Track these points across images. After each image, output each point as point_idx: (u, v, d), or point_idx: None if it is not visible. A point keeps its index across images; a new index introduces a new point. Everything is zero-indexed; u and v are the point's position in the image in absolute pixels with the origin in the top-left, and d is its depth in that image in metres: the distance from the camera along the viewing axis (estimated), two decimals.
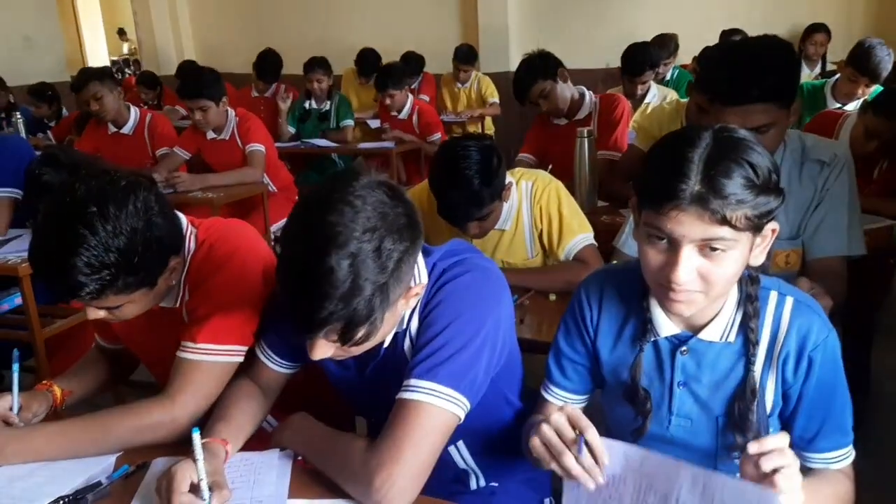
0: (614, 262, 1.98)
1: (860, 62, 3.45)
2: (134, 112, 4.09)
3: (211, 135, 3.94)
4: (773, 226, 1.06)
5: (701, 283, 1.04)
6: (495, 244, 2.16)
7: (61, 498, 1.22)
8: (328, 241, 1.04)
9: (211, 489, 1.13)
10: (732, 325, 1.14)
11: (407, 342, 1.28)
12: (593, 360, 1.28)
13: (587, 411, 1.35)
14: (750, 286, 1.13)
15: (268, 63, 5.86)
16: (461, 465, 1.46)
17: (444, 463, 1.24)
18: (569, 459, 1.00)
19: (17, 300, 2.68)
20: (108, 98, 3.92)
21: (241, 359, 1.43)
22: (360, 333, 1.10)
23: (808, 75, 5.49)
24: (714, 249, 1.01)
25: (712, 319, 1.14)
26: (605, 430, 1.36)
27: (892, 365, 3.07)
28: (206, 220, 1.53)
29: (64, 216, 1.25)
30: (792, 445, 1.01)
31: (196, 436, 1.13)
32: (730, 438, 1.17)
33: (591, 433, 1.01)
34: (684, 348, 1.17)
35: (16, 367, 1.44)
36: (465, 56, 6.27)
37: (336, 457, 1.23)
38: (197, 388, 1.38)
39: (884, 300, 3.02)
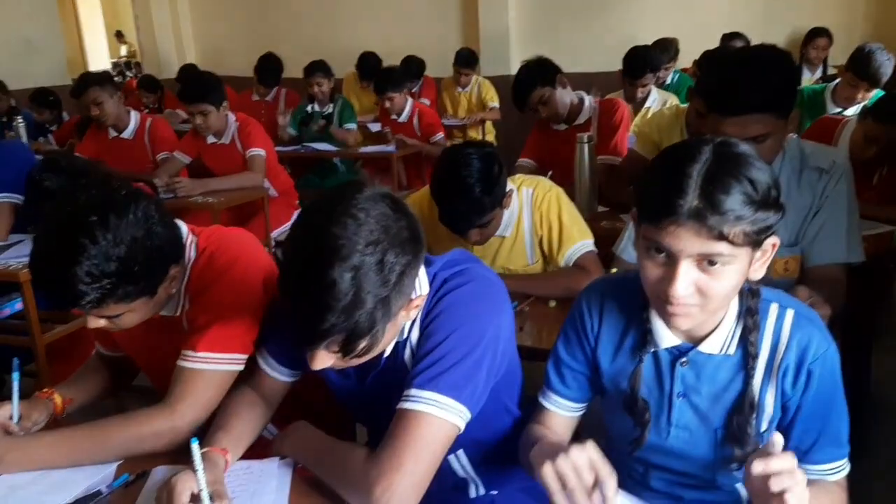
0: (614, 269, 1.99)
1: (860, 67, 3.45)
2: (134, 116, 4.10)
3: (211, 139, 3.95)
4: (773, 240, 1.06)
5: (698, 297, 1.04)
6: (496, 251, 2.17)
7: None
8: (331, 253, 1.04)
9: (211, 499, 1.13)
10: (732, 337, 1.14)
11: (407, 352, 1.28)
12: (593, 369, 1.29)
13: (588, 418, 1.37)
14: (750, 299, 1.13)
15: (268, 67, 5.87)
16: (461, 473, 1.46)
17: (443, 471, 1.24)
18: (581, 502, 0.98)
19: (18, 305, 2.69)
20: (108, 103, 3.93)
21: (241, 367, 1.43)
22: (362, 346, 1.10)
23: (808, 79, 5.49)
24: (712, 264, 1.01)
25: (712, 331, 1.14)
26: (606, 439, 1.37)
27: (892, 369, 3.07)
28: (207, 228, 1.53)
29: (64, 225, 1.25)
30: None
31: (195, 446, 1.14)
32: (728, 451, 1.17)
33: (610, 485, 0.98)
34: (684, 360, 1.17)
35: (16, 375, 1.44)
36: (466, 60, 6.27)
37: (336, 466, 1.23)
38: (197, 396, 1.39)
39: (884, 305, 3.02)
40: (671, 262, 1.03)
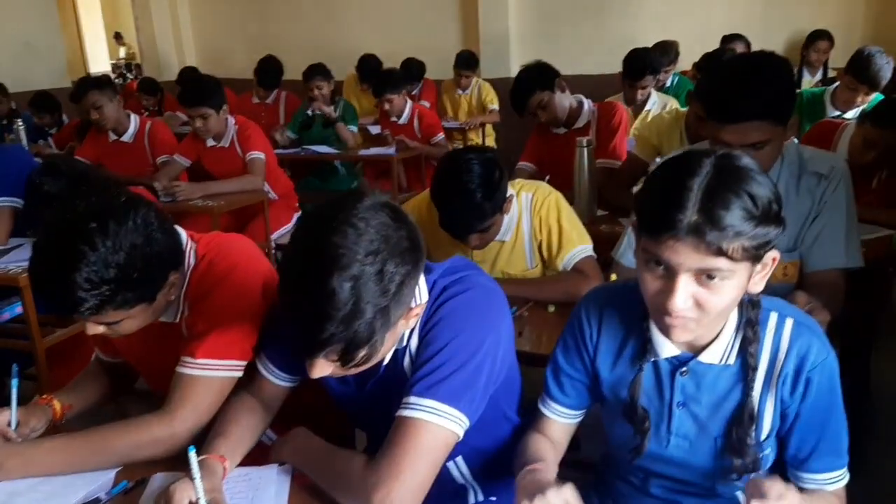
0: (613, 274, 1.99)
1: (859, 70, 3.44)
2: (134, 120, 4.10)
3: (211, 142, 3.95)
4: (773, 254, 1.06)
5: (697, 310, 1.04)
6: (495, 255, 2.17)
7: None
8: (331, 262, 1.04)
9: None
10: (732, 347, 1.14)
11: (407, 359, 1.28)
12: (592, 377, 1.29)
13: (588, 426, 1.37)
14: (751, 310, 1.13)
15: (268, 70, 5.87)
16: (459, 480, 1.46)
17: (442, 478, 1.25)
18: None
19: (18, 309, 2.69)
20: (107, 107, 3.93)
21: (240, 373, 1.43)
22: (361, 355, 1.10)
23: (809, 82, 5.50)
24: (711, 278, 1.01)
25: (712, 341, 1.14)
26: (606, 447, 1.37)
27: (891, 373, 3.07)
28: (206, 234, 1.53)
29: (64, 232, 1.25)
30: (786, 464, 1.01)
31: (192, 455, 1.14)
32: (727, 461, 1.17)
33: None
34: (684, 369, 1.17)
35: (15, 381, 1.44)
36: (467, 62, 6.28)
37: (335, 473, 1.23)
38: (196, 403, 1.39)
39: (883, 309, 3.02)
40: (670, 275, 1.03)
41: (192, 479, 1.13)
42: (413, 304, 1.18)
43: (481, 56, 6.74)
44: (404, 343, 1.28)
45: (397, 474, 1.13)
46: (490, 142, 6.54)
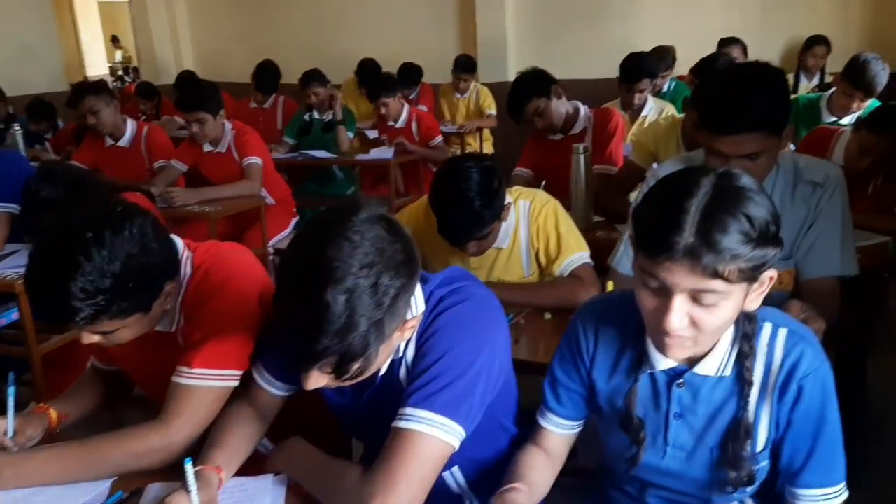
0: (610, 282, 1.99)
1: (855, 77, 3.45)
2: (131, 125, 4.11)
3: (208, 147, 3.95)
4: (770, 273, 1.06)
5: (692, 329, 1.04)
6: (493, 262, 2.17)
7: None
8: (325, 275, 1.04)
9: None
10: (728, 359, 1.15)
11: (403, 370, 1.28)
12: (588, 388, 1.29)
13: (585, 436, 1.37)
14: (747, 325, 1.13)
15: (266, 74, 5.87)
16: (455, 490, 1.46)
17: (438, 488, 1.24)
18: None
19: (15, 315, 2.68)
20: (104, 112, 3.94)
21: (236, 383, 1.43)
22: (355, 367, 1.10)
23: (805, 87, 5.51)
24: (707, 299, 1.01)
25: (708, 353, 1.14)
26: (603, 456, 1.37)
27: (888, 379, 3.07)
28: (203, 243, 1.53)
29: (59, 242, 1.25)
30: (782, 481, 1.01)
31: (188, 466, 1.14)
32: (723, 473, 1.17)
33: None
34: (681, 381, 1.17)
35: (11, 390, 1.44)
36: (465, 66, 6.29)
37: (330, 484, 1.23)
38: (192, 413, 1.39)
39: (879, 315, 3.03)
40: (666, 294, 1.03)
41: (187, 490, 1.13)
42: (408, 317, 1.18)
43: (479, 61, 6.75)
44: (401, 353, 1.28)
45: (393, 485, 1.13)
46: (488, 146, 6.55)
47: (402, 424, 1.18)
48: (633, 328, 1.19)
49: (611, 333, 1.25)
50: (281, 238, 4.13)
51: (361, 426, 1.44)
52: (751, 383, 1.12)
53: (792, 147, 3.27)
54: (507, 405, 1.44)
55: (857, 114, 3.51)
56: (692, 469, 1.21)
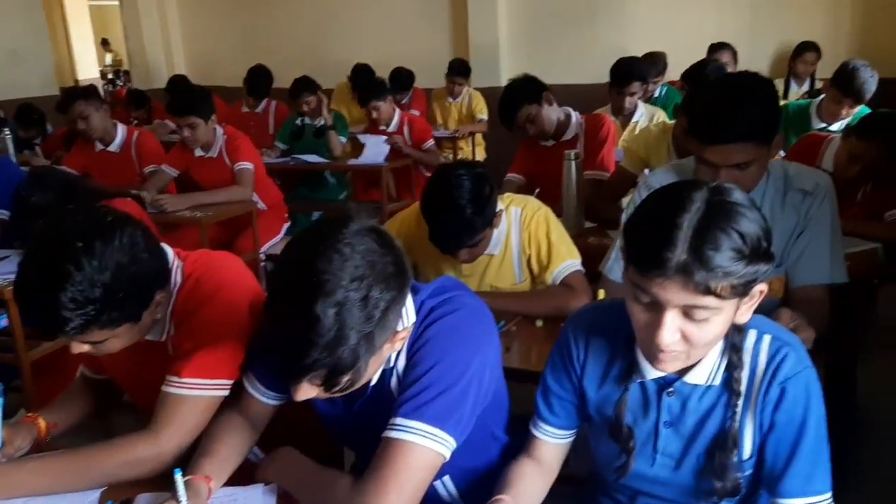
0: (601, 290, 1.99)
1: (844, 83, 3.47)
2: (121, 130, 4.09)
3: (199, 152, 3.94)
4: (760, 287, 1.06)
5: (683, 344, 1.05)
6: (484, 268, 2.17)
7: None
8: (316, 288, 1.04)
9: None
10: (718, 369, 1.15)
11: (394, 380, 1.28)
12: (580, 396, 1.29)
13: (575, 442, 1.37)
14: (736, 336, 1.13)
15: (258, 79, 5.86)
16: (447, 499, 1.46)
17: (429, 497, 1.25)
18: None
19: (4, 322, 2.67)
20: (94, 117, 3.92)
21: (226, 393, 1.43)
22: (344, 380, 1.10)
23: (796, 92, 5.55)
24: (698, 314, 1.01)
25: (698, 362, 1.14)
26: (593, 464, 1.37)
27: (877, 385, 3.09)
28: (194, 252, 1.53)
29: (49, 251, 1.25)
30: (762, 486, 1.01)
31: (178, 476, 1.14)
32: (709, 482, 1.17)
33: None
34: (671, 389, 1.18)
35: (0, 401, 1.43)
36: (460, 69, 6.31)
37: (321, 493, 1.23)
38: (182, 422, 1.38)
39: (869, 321, 3.04)
40: (657, 309, 1.03)
41: (177, 500, 1.13)
42: (399, 328, 1.18)
43: (471, 66, 6.74)
44: (391, 364, 1.28)
45: (384, 495, 1.14)
46: (480, 151, 6.56)
47: (392, 434, 1.18)
48: (624, 337, 1.20)
49: (601, 342, 1.25)
50: (273, 244, 4.12)
51: (353, 436, 1.44)
52: (739, 394, 1.13)
53: (782, 153, 3.29)
54: (498, 414, 1.45)
55: (846, 120, 3.54)
56: (680, 477, 1.21)
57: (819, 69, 5.54)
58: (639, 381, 1.20)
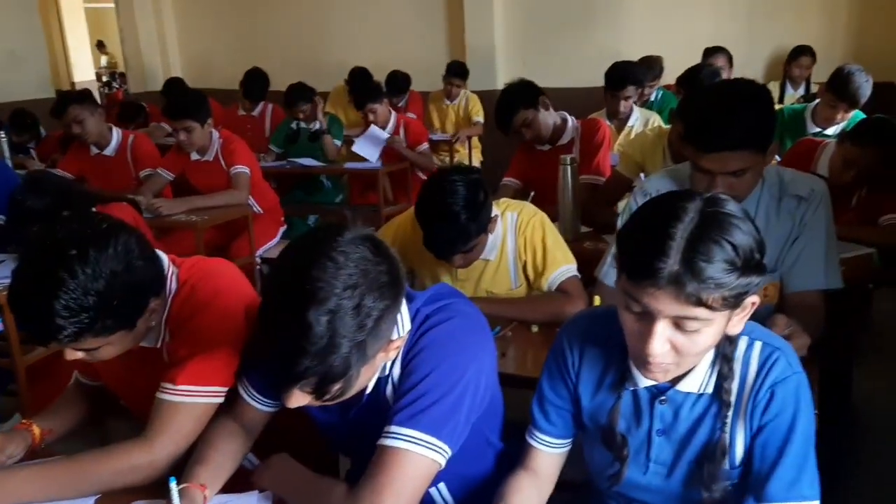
0: (597, 297, 1.99)
1: (839, 88, 3.49)
2: (116, 133, 4.08)
3: (195, 156, 3.93)
4: (753, 299, 1.06)
5: (674, 354, 1.05)
6: (480, 274, 2.17)
7: None
8: (309, 296, 1.04)
9: None
10: (710, 377, 1.15)
11: (389, 388, 1.28)
12: (575, 404, 1.29)
13: (572, 449, 1.37)
14: (727, 346, 1.13)
15: (254, 82, 5.85)
16: None
17: None
18: None
19: None
20: (89, 121, 3.92)
21: (221, 400, 1.42)
22: (335, 388, 1.10)
23: (791, 96, 5.56)
24: (689, 325, 1.01)
25: (690, 370, 1.14)
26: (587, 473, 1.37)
27: (872, 389, 3.09)
28: (189, 259, 1.53)
29: (44, 259, 1.24)
30: (748, 491, 1.01)
31: (173, 486, 1.13)
32: (697, 492, 1.17)
33: None
34: (663, 398, 1.18)
35: None
36: (457, 71, 6.33)
37: (316, 501, 1.24)
38: (176, 429, 1.38)
39: (864, 326, 3.05)
40: (648, 319, 1.03)
41: None
42: (394, 337, 1.18)
43: (468, 69, 6.76)
44: (387, 371, 1.28)
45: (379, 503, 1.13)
46: (476, 154, 6.56)
47: (388, 442, 1.18)
48: (617, 345, 1.19)
49: (595, 350, 1.25)
50: (269, 247, 4.12)
51: (348, 443, 1.44)
52: (728, 404, 1.13)
53: (777, 159, 3.29)
54: (493, 420, 1.45)
55: (841, 125, 3.55)
56: (672, 484, 1.22)
57: (814, 73, 5.56)
58: (631, 388, 1.20)
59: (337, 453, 1.76)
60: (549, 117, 3.13)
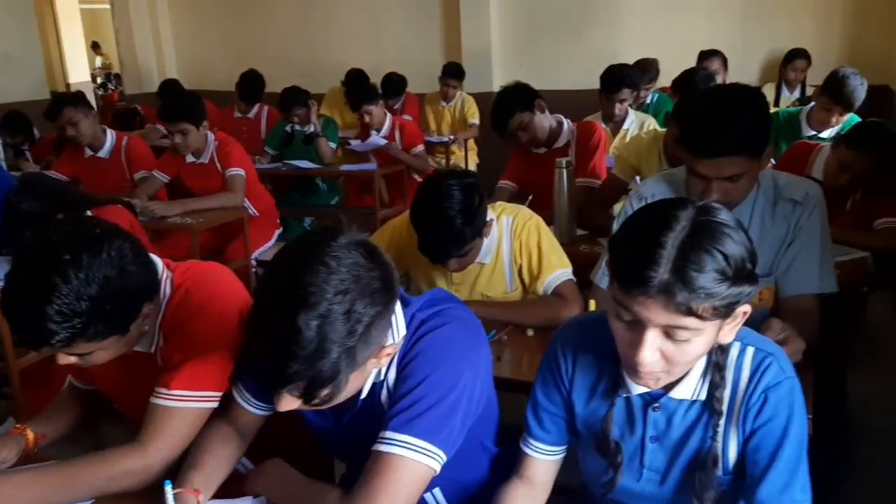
0: (592, 301, 1.99)
1: (834, 91, 3.49)
2: (110, 135, 4.07)
3: (190, 158, 3.92)
4: (744, 308, 1.06)
5: (664, 363, 1.05)
6: (475, 277, 2.17)
7: None
8: (299, 300, 1.04)
9: None
10: (703, 384, 1.15)
11: (384, 393, 1.28)
12: (569, 410, 1.29)
13: (567, 453, 1.37)
14: (719, 354, 1.13)
15: (250, 84, 5.83)
16: None
17: None
18: None
19: None
20: (83, 123, 3.91)
21: (215, 404, 1.42)
22: (324, 393, 1.10)
23: (787, 99, 5.57)
24: (679, 334, 1.01)
25: (683, 377, 1.14)
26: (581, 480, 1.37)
27: (867, 393, 3.10)
28: (183, 263, 1.52)
29: (37, 264, 1.24)
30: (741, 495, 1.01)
31: (168, 489, 1.13)
32: (690, 498, 1.17)
33: None
34: (656, 404, 1.18)
35: None
36: (454, 72, 6.33)
37: None
38: (170, 434, 1.37)
39: (858, 329, 3.06)
40: (638, 327, 1.03)
41: None
42: (387, 343, 1.18)
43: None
44: (382, 377, 1.27)
45: None
46: (472, 156, 6.57)
47: (382, 448, 1.18)
48: (610, 351, 1.19)
49: (588, 357, 1.25)
50: (264, 250, 4.11)
51: (343, 448, 1.44)
52: (720, 413, 1.12)
53: (773, 162, 3.30)
54: (488, 425, 1.44)
55: (836, 128, 3.56)
56: (665, 491, 1.22)
57: (809, 76, 5.57)
58: (625, 395, 1.19)
59: (331, 458, 1.76)
60: (544, 120, 3.13)
